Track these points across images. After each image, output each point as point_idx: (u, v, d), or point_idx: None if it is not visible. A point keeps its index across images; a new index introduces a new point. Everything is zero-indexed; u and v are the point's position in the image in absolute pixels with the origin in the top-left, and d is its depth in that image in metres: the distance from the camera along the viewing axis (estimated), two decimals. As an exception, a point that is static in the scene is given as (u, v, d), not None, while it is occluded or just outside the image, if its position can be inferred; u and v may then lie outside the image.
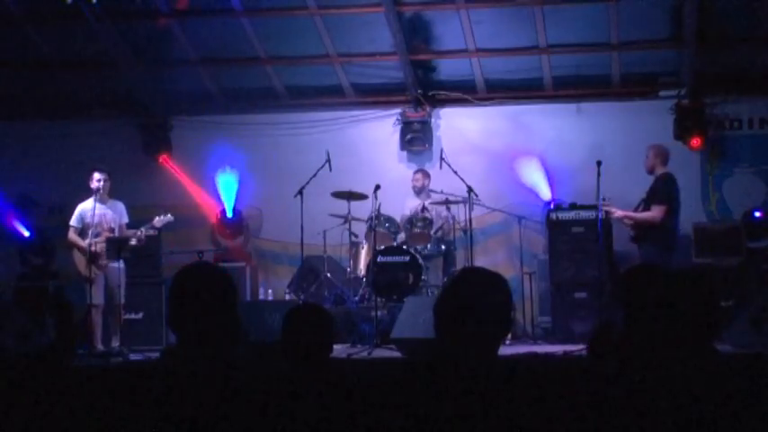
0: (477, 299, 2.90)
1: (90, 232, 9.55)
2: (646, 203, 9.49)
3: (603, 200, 9.55)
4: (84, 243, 9.56)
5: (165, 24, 11.64)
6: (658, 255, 9.17)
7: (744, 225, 10.69)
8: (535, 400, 2.81)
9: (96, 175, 9.62)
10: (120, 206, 9.86)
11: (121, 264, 9.68)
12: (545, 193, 11.30)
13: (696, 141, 11.34)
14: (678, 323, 3.12)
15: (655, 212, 9.30)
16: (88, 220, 9.59)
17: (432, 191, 11.02)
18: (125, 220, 9.83)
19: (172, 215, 9.87)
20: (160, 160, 12.20)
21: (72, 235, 9.67)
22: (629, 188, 10.21)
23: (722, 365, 3.09)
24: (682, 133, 11.38)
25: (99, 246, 9.53)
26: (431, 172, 11.28)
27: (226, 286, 3.04)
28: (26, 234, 11.50)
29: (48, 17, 11.48)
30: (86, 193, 9.79)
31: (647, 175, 9.64)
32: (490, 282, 2.97)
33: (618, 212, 9.60)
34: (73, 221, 9.70)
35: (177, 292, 3.01)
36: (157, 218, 9.75)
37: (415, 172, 11.39)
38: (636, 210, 9.64)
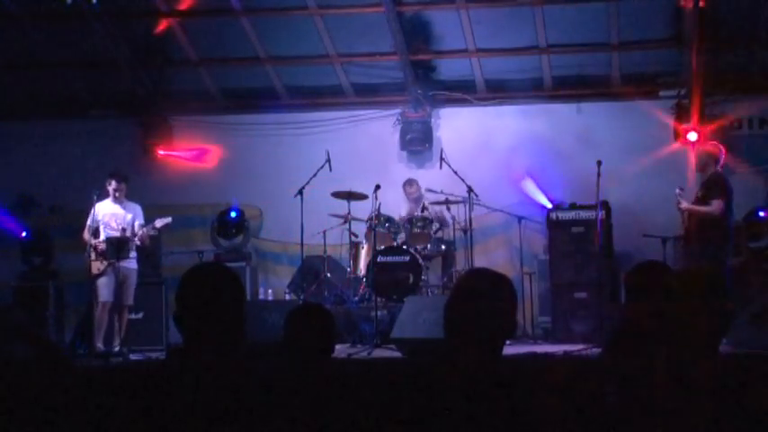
0: (483, 300, 2.91)
1: (101, 230, 9.67)
2: (701, 202, 9.19)
3: (681, 189, 9.32)
4: (93, 241, 9.63)
5: (164, 24, 11.65)
6: (715, 252, 8.92)
7: (745, 225, 10.67)
8: (538, 399, 2.80)
9: (114, 183, 9.78)
10: (137, 208, 9.97)
11: (134, 264, 9.77)
12: (545, 203, 11.26)
13: (693, 135, 11.28)
14: (685, 322, 3.12)
15: (714, 206, 9.01)
16: (100, 219, 9.69)
17: (431, 191, 11.01)
18: (140, 221, 9.91)
19: (171, 216, 9.99)
20: (158, 153, 12.19)
21: (85, 233, 9.73)
22: (628, 188, 10.22)
23: (724, 366, 3.09)
24: (682, 133, 11.37)
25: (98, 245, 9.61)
26: (431, 172, 11.28)
27: (233, 286, 3.04)
28: (23, 234, 11.48)
29: (48, 17, 11.49)
30: (86, 192, 9.80)
31: (698, 172, 9.40)
32: (497, 283, 2.97)
33: (684, 204, 9.21)
34: (89, 221, 9.77)
35: (185, 292, 3.01)
36: (158, 219, 9.89)
37: (408, 185, 11.26)
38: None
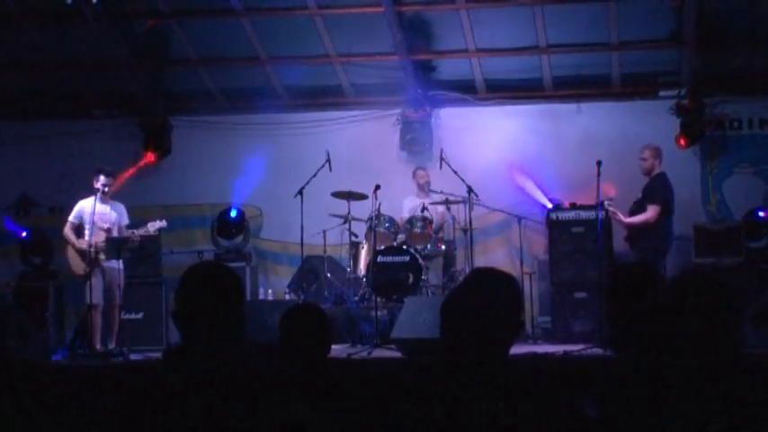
0: (486, 300, 2.88)
1: (87, 230, 9.52)
2: (641, 204, 9.55)
3: (611, 199, 9.62)
4: (76, 240, 9.55)
5: (164, 24, 11.65)
6: (650, 257, 9.21)
7: (744, 225, 10.67)
8: (541, 401, 2.80)
9: (102, 178, 9.59)
10: (122, 208, 9.81)
11: (120, 264, 9.64)
12: (543, 201, 11.32)
13: (683, 141, 11.33)
14: (678, 324, 3.11)
15: (649, 213, 9.47)
16: (86, 217, 9.56)
17: (432, 191, 11.02)
18: (125, 221, 9.77)
19: (166, 219, 9.82)
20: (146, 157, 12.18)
21: (67, 230, 9.64)
22: (628, 188, 10.21)
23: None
24: (681, 133, 11.41)
25: (96, 244, 9.49)
26: (431, 172, 11.28)
27: (233, 286, 3.04)
28: (23, 234, 11.46)
29: (48, 17, 11.48)
30: (86, 192, 9.75)
31: (644, 176, 9.74)
32: (501, 283, 2.94)
33: (618, 216, 9.69)
34: (71, 217, 9.68)
35: (185, 290, 3.01)
36: (151, 223, 9.64)
37: (420, 169, 11.39)
38: (631, 209, 9.72)
